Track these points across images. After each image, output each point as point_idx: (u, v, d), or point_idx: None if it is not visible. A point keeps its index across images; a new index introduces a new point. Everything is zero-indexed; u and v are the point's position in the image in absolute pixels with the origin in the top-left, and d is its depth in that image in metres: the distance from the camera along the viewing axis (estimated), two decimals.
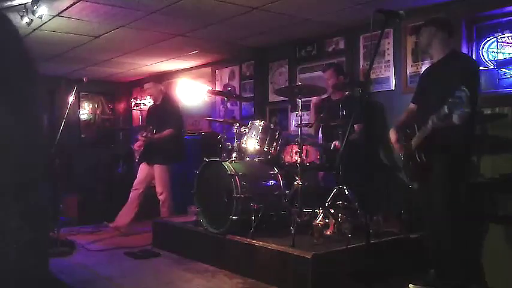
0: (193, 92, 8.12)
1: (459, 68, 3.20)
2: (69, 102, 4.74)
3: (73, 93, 4.76)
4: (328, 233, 3.75)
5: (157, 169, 5.51)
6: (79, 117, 9.14)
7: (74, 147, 8.37)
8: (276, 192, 4.17)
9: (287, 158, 4.31)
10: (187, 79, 8.20)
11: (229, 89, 6.98)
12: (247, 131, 4.43)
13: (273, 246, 3.56)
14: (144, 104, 8.63)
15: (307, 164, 4.18)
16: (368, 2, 4.51)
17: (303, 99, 4.23)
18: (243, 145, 4.40)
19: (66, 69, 7.83)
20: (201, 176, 4.34)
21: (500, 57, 4.37)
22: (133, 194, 5.60)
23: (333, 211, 3.87)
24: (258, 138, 4.36)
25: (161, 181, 5.51)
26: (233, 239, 3.89)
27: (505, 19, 4.36)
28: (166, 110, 5.65)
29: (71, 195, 6.82)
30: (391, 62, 5.11)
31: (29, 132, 1.24)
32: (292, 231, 3.52)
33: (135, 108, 9.11)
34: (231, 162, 4.15)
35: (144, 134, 5.53)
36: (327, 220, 3.82)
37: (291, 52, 6.22)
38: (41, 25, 5.15)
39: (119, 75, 8.60)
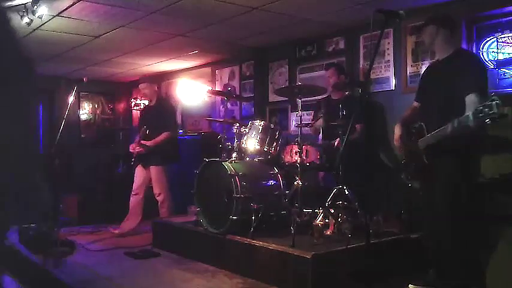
0: (193, 92, 8.11)
1: (465, 66, 3.15)
2: (69, 102, 4.73)
3: (73, 93, 4.75)
4: (328, 233, 3.75)
5: (154, 170, 5.45)
6: (79, 117, 9.13)
7: (74, 147, 8.36)
8: (276, 192, 4.17)
9: (287, 158, 4.30)
10: (187, 79, 8.19)
11: (229, 89, 6.96)
12: (247, 131, 4.43)
13: (273, 246, 3.56)
14: (144, 104, 8.61)
15: (307, 164, 4.18)
16: (368, 2, 4.51)
17: (302, 99, 4.23)
18: (243, 145, 4.40)
19: (66, 69, 7.83)
20: (201, 176, 4.34)
21: (500, 57, 4.37)
22: (134, 200, 5.52)
23: (333, 211, 3.87)
24: (258, 138, 4.36)
25: (158, 182, 5.45)
26: (233, 239, 3.89)
27: (505, 19, 4.36)
28: (161, 111, 5.58)
29: (71, 195, 6.82)
30: (391, 62, 5.11)
31: (28, 132, 1.24)
32: (292, 231, 3.52)
33: (135, 108, 9.08)
34: (231, 162, 4.15)
35: (137, 139, 5.41)
36: (327, 220, 3.82)
37: (291, 52, 6.21)
38: (41, 25, 5.15)
39: (119, 75, 8.59)
